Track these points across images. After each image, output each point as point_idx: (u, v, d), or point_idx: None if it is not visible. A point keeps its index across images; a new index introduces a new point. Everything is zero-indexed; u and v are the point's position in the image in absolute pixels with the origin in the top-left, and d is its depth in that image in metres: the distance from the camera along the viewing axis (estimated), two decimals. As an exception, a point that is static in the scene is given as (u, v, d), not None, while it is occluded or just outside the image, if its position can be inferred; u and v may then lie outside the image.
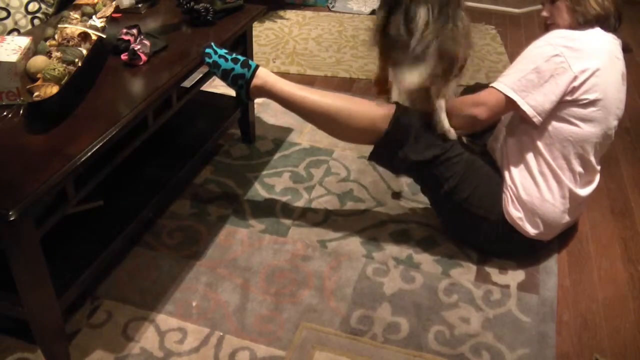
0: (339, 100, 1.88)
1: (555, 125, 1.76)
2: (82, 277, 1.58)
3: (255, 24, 3.62)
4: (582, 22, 1.77)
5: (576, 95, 1.71)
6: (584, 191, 1.87)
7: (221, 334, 1.68)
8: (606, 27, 1.80)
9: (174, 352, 1.62)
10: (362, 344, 1.66)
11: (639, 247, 2.08)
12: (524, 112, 1.74)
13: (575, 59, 1.69)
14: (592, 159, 1.83)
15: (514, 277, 1.90)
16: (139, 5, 2.20)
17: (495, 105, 1.77)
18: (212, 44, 1.90)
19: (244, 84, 1.89)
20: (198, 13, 2.10)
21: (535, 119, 1.74)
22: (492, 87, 1.79)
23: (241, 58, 1.90)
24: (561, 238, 2.07)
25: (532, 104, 1.72)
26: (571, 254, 2.03)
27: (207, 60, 1.88)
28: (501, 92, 1.75)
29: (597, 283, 1.92)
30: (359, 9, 4.10)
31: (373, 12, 4.05)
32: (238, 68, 1.87)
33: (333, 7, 4.13)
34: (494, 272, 1.92)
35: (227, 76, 1.89)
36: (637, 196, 2.33)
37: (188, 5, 2.10)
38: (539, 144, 1.79)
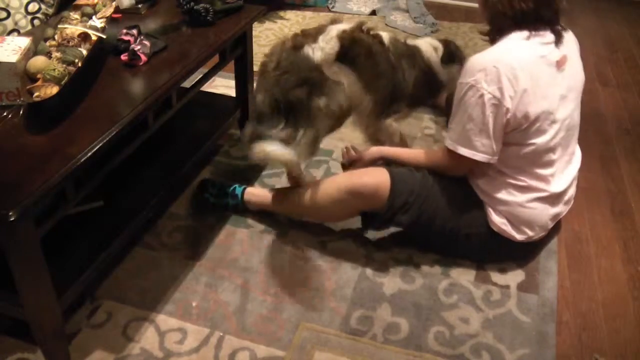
0: (312, 192, 1.93)
1: (509, 150, 1.74)
2: (82, 277, 1.58)
3: (255, 24, 3.61)
4: (495, 26, 1.73)
5: (514, 124, 1.68)
6: (561, 185, 1.84)
7: (221, 334, 1.68)
8: (529, 26, 1.68)
9: (174, 353, 1.62)
10: (362, 345, 1.66)
11: (639, 247, 2.08)
12: (479, 161, 1.73)
13: (498, 90, 1.63)
14: (557, 155, 1.79)
15: (514, 277, 1.90)
16: (139, 6, 2.20)
17: (461, 164, 1.78)
18: (207, 187, 2.12)
19: (243, 209, 2.11)
20: (198, 13, 2.10)
21: (491, 161, 1.73)
22: (445, 146, 1.79)
23: (225, 185, 2.12)
24: (561, 238, 2.07)
25: (482, 150, 1.71)
26: (571, 254, 2.03)
27: (207, 202, 2.13)
28: (452, 150, 1.75)
29: (597, 283, 1.92)
30: (359, 9, 4.10)
31: (373, 13, 4.04)
32: (230, 201, 2.11)
33: (333, 7, 4.12)
34: (493, 273, 1.92)
35: (227, 209, 2.12)
36: (637, 196, 2.33)
37: (188, 5, 2.10)
38: (500, 166, 1.77)
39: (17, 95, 1.57)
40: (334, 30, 1.91)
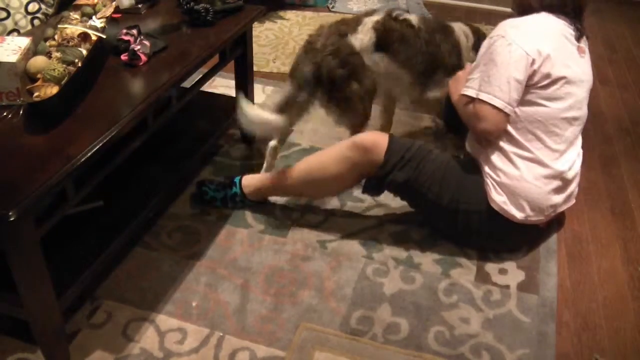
0: (312, 159, 2.05)
1: (523, 109, 1.78)
2: (82, 277, 1.58)
3: (255, 25, 3.61)
4: (520, 10, 1.86)
5: (536, 78, 1.74)
6: (570, 171, 1.86)
7: (221, 334, 1.68)
8: (554, 12, 1.82)
9: (174, 353, 1.62)
10: (362, 345, 1.66)
11: (639, 247, 2.08)
12: (496, 107, 1.76)
13: (527, 42, 1.73)
14: (568, 134, 1.84)
15: (514, 277, 1.90)
16: (139, 6, 2.20)
17: (480, 114, 1.78)
18: (205, 182, 2.13)
19: (242, 198, 2.12)
20: (198, 13, 2.10)
21: (506, 109, 1.75)
22: (464, 95, 1.83)
23: (223, 180, 2.14)
24: (561, 238, 2.07)
25: (499, 95, 1.74)
26: (571, 254, 2.03)
27: (206, 197, 2.13)
28: (473, 97, 1.79)
29: (597, 283, 1.92)
30: (359, 9, 4.10)
31: (373, 13, 4.04)
32: (228, 191, 2.11)
33: (333, 7, 4.12)
34: (493, 273, 1.92)
35: (226, 202, 2.12)
36: (637, 196, 2.33)
37: (188, 5, 2.10)
38: (511, 128, 1.80)
39: (17, 95, 1.57)
40: (369, 22, 2.16)
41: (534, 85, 1.76)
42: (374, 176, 1.93)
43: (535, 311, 1.78)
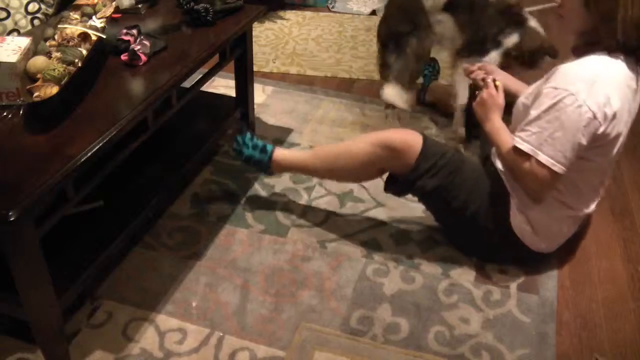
0: (342, 147, 2.04)
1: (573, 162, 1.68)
2: (82, 277, 1.58)
3: (255, 25, 3.61)
4: (591, 41, 1.65)
5: (596, 139, 1.64)
6: (591, 208, 1.87)
7: (221, 334, 1.68)
8: (621, 52, 1.64)
9: (173, 353, 1.62)
10: (362, 345, 1.66)
11: (639, 247, 2.08)
12: (554, 172, 1.64)
13: (598, 105, 1.58)
14: (604, 177, 1.82)
15: (514, 277, 1.90)
16: (139, 6, 2.20)
17: (533, 173, 1.65)
18: (249, 134, 2.11)
19: (266, 167, 2.10)
20: (198, 13, 2.10)
21: (562, 172, 1.63)
22: (518, 148, 1.67)
23: (259, 144, 2.09)
24: (561, 238, 2.07)
25: (561, 160, 1.62)
26: (571, 254, 2.03)
27: (237, 147, 2.11)
28: (530, 155, 1.65)
29: (597, 283, 1.92)
30: (359, 9, 4.10)
31: (373, 13, 4.04)
32: (260, 155, 2.08)
33: (333, 7, 4.12)
34: (493, 273, 1.92)
35: (249, 162, 2.11)
36: (637, 196, 2.33)
37: (188, 5, 2.10)
38: None
39: (17, 95, 1.57)
40: None
41: (590, 145, 1.65)
42: (401, 178, 1.88)
43: (535, 311, 1.78)
